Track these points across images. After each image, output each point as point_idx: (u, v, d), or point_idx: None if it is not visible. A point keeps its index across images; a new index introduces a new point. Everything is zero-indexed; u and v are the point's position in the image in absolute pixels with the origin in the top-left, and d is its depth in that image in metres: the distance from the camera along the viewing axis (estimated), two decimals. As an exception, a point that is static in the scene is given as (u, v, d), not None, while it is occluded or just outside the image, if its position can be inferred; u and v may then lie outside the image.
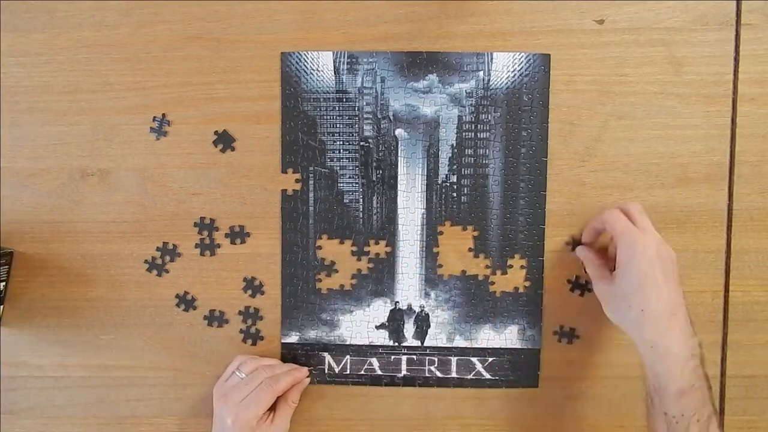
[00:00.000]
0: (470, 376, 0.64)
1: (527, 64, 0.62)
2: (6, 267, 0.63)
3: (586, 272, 0.60)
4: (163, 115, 0.63)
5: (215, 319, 0.64)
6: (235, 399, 0.58)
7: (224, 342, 0.64)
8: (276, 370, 0.61)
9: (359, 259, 0.64)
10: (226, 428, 0.57)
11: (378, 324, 0.64)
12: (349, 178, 0.63)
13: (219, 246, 0.64)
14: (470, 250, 0.63)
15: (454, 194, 0.63)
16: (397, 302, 0.64)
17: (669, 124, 0.62)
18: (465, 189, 0.63)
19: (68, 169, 0.64)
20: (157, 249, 0.64)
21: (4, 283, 0.63)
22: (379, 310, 0.64)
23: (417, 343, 0.64)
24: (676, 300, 0.53)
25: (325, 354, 0.64)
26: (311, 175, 0.63)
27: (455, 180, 0.63)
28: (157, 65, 0.63)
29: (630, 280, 0.53)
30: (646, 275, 0.53)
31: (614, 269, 0.56)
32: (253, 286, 0.64)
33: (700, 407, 0.51)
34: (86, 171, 0.64)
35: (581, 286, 0.63)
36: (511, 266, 0.63)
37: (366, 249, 0.64)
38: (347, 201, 0.64)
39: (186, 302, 0.64)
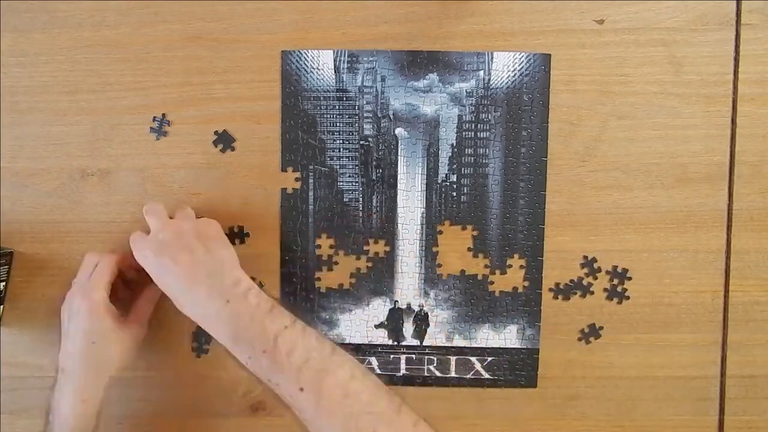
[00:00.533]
0: (469, 376, 0.64)
1: (527, 64, 0.62)
2: (6, 267, 0.63)
3: None
4: (163, 115, 0.63)
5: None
6: (78, 286, 0.57)
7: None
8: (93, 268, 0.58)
9: (358, 258, 0.64)
10: (78, 325, 0.55)
11: (377, 323, 0.64)
12: (349, 177, 0.63)
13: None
14: (469, 249, 0.63)
15: (454, 194, 0.63)
16: (396, 301, 0.64)
17: (669, 124, 0.62)
18: (465, 188, 0.63)
19: (68, 169, 0.64)
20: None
21: (4, 283, 0.63)
22: (378, 309, 0.64)
23: (416, 342, 0.64)
24: (189, 268, 0.53)
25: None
26: (311, 173, 0.63)
27: (455, 179, 0.63)
28: (157, 65, 0.63)
29: (151, 271, 0.55)
30: (159, 264, 0.54)
31: None
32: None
33: (259, 338, 0.50)
34: (86, 171, 0.64)
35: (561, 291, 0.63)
36: (510, 266, 0.63)
37: (365, 248, 0.64)
38: (347, 200, 0.64)
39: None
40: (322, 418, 0.48)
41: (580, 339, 0.63)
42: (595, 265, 0.63)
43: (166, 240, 0.54)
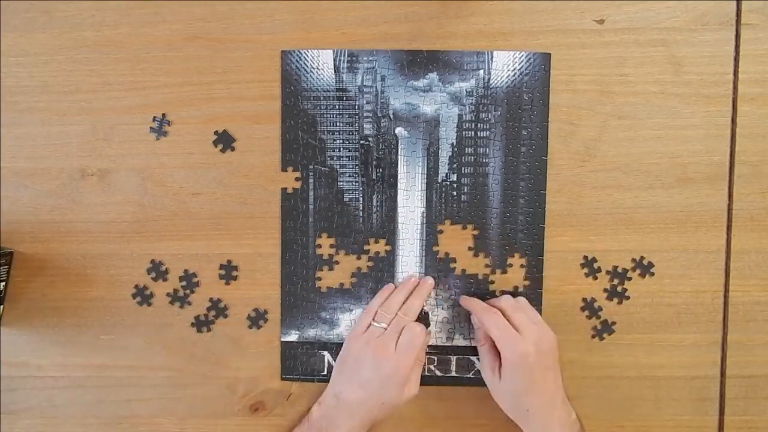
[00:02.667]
0: (470, 375, 0.64)
1: (527, 63, 0.62)
2: (6, 267, 0.63)
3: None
4: (163, 115, 0.63)
5: (215, 318, 0.64)
6: (389, 348, 0.58)
7: (224, 341, 0.64)
8: (408, 318, 0.60)
9: (359, 258, 0.64)
10: (382, 379, 0.57)
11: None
12: (349, 176, 0.63)
13: (219, 246, 0.64)
14: (470, 248, 0.63)
15: (454, 193, 0.63)
16: (397, 302, 0.64)
17: (669, 124, 0.62)
18: (465, 188, 0.63)
19: (68, 169, 0.64)
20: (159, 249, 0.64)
21: (3, 283, 0.63)
22: (379, 309, 0.64)
23: (417, 342, 0.64)
24: (555, 391, 0.57)
25: (325, 353, 0.64)
26: (311, 173, 0.63)
27: (455, 179, 0.63)
28: (157, 65, 0.63)
29: (514, 386, 0.57)
30: (528, 383, 0.56)
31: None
32: (252, 286, 0.64)
33: None
34: (86, 171, 0.64)
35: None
36: (510, 265, 0.63)
37: (366, 247, 0.64)
38: (347, 200, 0.64)
39: (182, 300, 0.64)
40: None
41: (593, 336, 0.63)
42: (595, 265, 0.63)
43: (543, 350, 0.57)
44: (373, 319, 0.60)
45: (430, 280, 0.63)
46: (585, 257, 0.63)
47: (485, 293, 0.63)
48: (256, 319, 0.64)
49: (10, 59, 0.63)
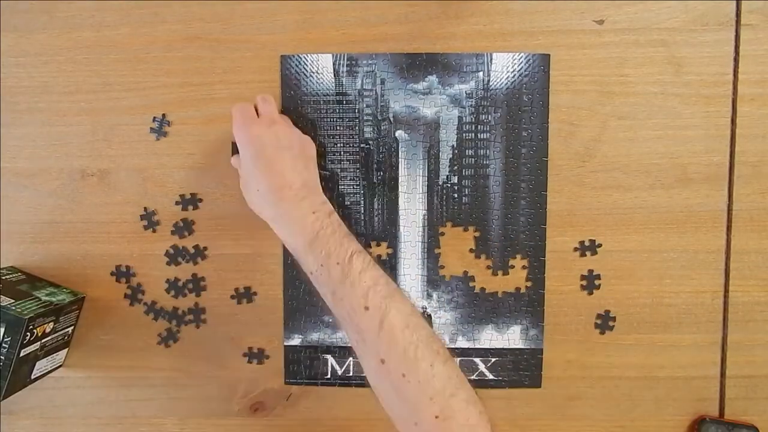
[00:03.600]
0: (473, 377, 0.64)
1: (527, 65, 0.62)
2: (77, 312, 0.63)
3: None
4: (163, 115, 0.63)
5: (215, 319, 0.64)
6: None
7: (224, 342, 0.64)
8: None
9: (360, 260, 0.64)
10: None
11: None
12: (350, 180, 0.63)
13: (219, 246, 0.64)
14: (471, 250, 0.63)
15: (455, 195, 0.63)
16: (398, 303, 0.64)
17: (669, 124, 0.62)
18: (466, 190, 0.63)
19: (68, 169, 0.64)
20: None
21: (72, 327, 0.63)
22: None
23: (418, 343, 0.64)
24: (285, 177, 0.55)
25: (328, 356, 0.64)
26: (311, 176, 0.63)
27: (456, 181, 0.63)
28: (157, 65, 0.63)
29: (245, 164, 0.56)
30: (262, 156, 0.55)
31: None
32: (253, 286, 0.64)
33: (336, 250, 0.52)
34: (86, 171, 0.64)
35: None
36: (512, 266, 0.63)
37: (367, 250, 0.64)
38: (348, 203, 0.64)
39: (185, 301, 0.64)
40: (383, 341, 0.49)
41: (596, 327, 0.63)
42: (595, 266, 0.63)
43: (277, 132, 0.56)
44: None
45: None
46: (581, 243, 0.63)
47: (486, 295, 0.63)
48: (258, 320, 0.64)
49: (10, 59, 0.63)
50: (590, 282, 0.63)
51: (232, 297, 0.64)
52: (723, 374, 0.63)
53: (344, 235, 0.54)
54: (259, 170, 0.55)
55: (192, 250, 0.64)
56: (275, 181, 0.55)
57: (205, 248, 0.64)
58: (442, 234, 0.63)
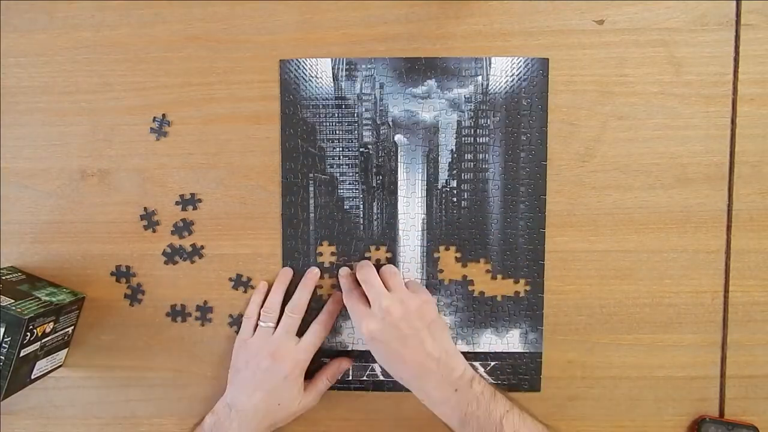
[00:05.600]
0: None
1: (526, 69, 0.62)
2: (77, 312, 0.63)
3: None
4: (163, 115, 0.63)
5: (215, 319, 0.64)
6: (286, 348, 0.59)
7: (224, 342, 0.64)
8: (297, 319, 0.61)
9: (360, 264, 0.64)
10: (279, 379, 0.58)
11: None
12: (349, 184, 0.63)
13: (219, 246, 0.64)
14: (471, 254, 0.63)
15: (454, 199, 0.63)
16: (399, 305, 0.64)
17: (669, 124, 0.62)
18: (465, 194, 0.63)
19: (68, 169, 0.64)
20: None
21: (72, 327, 0.63)
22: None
23: (419, 346, 0.64)
24: (418, 357, 0.56)
25: (327, 360, 0.64)
26: (311, 181, 0.63)
27: (455, 185, 0.63)
28: (157, 66, 0.63)
29: (378, 358, 0.58)
30: (385, 357, 0.57)
31: None
32: (253, 288, 0.64)
33: (486, 424, 0.54)
34: (86, 171, 0.64)
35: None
36: (512, 270, 0.63)
37: (367, 255, 0.64)
38: (348, 207, 0.64)
39: (186, 303, 0.64)
40: None
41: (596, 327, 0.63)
42: (595, 266, 0.63)
43: (394, 322, 0.56)
44: (259, 320, 0.61)
45: (316, 270, 0.63)
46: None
47: (486, 299, 0.63)
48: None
49: (10, 60, 0.63)
50: (590, 282, 0.63)
51: (233, 287, 0.64)
52: (723, 374, 0.63)
53: (489, 401, 0.55)
54: (391, 363, 0.57)
55: (189, 249, 0.64)
56: (409, 371, 0.56)
57: (202, 247, 0.64)
58: (442, 238, 0.63)
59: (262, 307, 0.62)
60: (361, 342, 0.64)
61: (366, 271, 0.59)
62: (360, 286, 0.59)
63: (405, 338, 0.56)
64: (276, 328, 0.60)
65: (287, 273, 0.63)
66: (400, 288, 0.58)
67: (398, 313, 0.56)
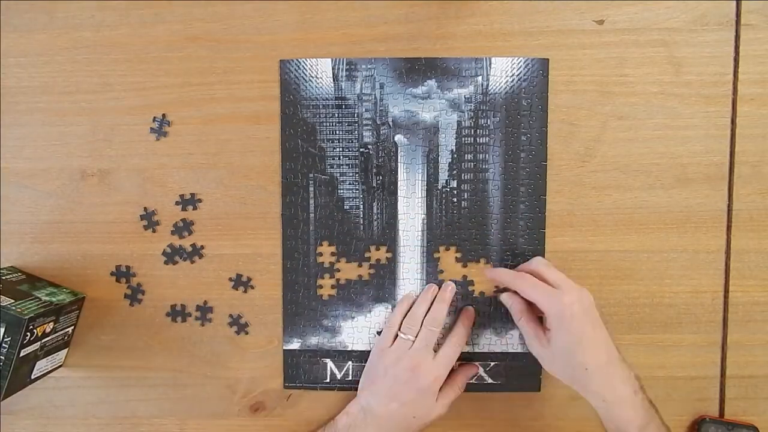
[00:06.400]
0: (473, 381, 0.64)
1: (526, 69, 0.62)
2: (77, 312, 0.63)
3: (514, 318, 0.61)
4: (163, 115, 0.63)
5: (215, 319, 0.64)
6: (426, 361, 0.58)
7: (224, 342, 0.64)
8: (436, 332, 0.60)
9: (360, 265, 0.64)
10: (417, 391, 0.57)
11: (379, 330, 0.64)
12: (349, 184, 0.63)
13: (219, 246, 0.64)
14: (471, 254, 0.63)
15: (454, 199, 0.63)
16: (398, 306, 0.64)
17: (669, 125, 0.62)
18: (465, 194, 0.63)
19: (68, 169, 0.64)
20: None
21: (72, 327, 0.63)
22: (381, 315, 0.64)
23: (418, 347, 0.64)
24: (608, 345, 0.55)
25: (327, 360, 0.64)
26: (311, 181, 0.63)
27: (455, 185, 0.63)
28: (157, 66, 0.63)
29: (565, 344, 0.55)
30: (579, 336, 0.54)
31: (544, 325, 0.57)
32: (253, 288, 0.64)
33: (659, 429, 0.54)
34: (86, 171, 0.64)
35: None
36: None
37: (367, 255, 0.64)
38: (347, 207, 0.64)
39: (186, 303, 0.64)
40: None
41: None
42: (595, 266, 0.63)
43: (586, 307, 0.55)
44: (400, 331, 0.60)
45: (452, 285, 0.63)
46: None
47: (486, 299, 0.63)
48: (258, 320, 0.64)
49: (10, 60, 0.63)
50: (590, 282, 0.63)
51: (233, 287, 0.64)
52: (723, 374, 0.63)
53: (656, 412, 0.54)
54: (586, 347, 0.55)
55: (189, 249, 0.64)
56: (602, 356, 0.54)
57: (202, 247, 0.64)
58: (442, 238, 0.63)
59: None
60: (361, 342, 0.64)
61: (522, 282, 0.57)
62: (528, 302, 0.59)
63: (595, 324, 0.55)
64: (414, 341, 0.60)
65: (434, 288, 0.63)
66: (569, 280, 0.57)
67: (588, 300, 0.56)
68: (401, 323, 0.61)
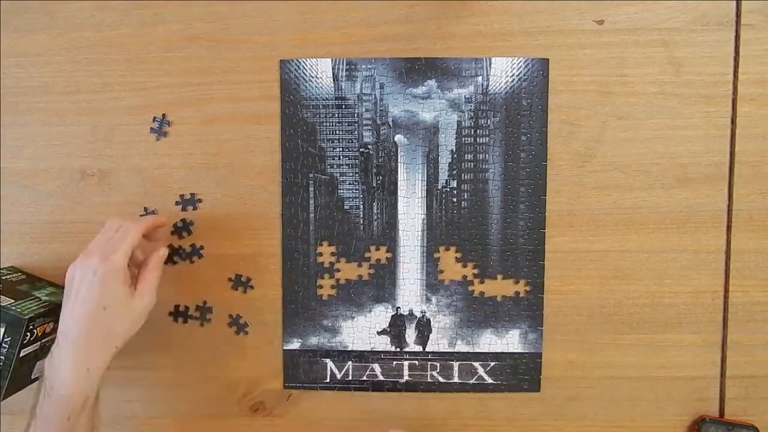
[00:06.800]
0: (472, 381, 0.64)
1: (526, 69, 0.62)
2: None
3: None
4: (163, 115, 0.63)
5: (215, 319, 0.64)
6: (94, 249, 0.54)
7: (224, 342, 0.64)
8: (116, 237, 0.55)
9: (360, 265, 0.64)
10: (93, 281, 0.52)
11: (379, 330, 0.64)
12: (349, 184, 0.63)
13: (219, 246, 0.64)
14: (471, 254, 0.63)
15: (454, 199, 0.63)
16: (399, 308, 0.64)
17: (669, 124, 0.62)
18: (465, 194, 0.63)
19: (68, 169, 0.64)
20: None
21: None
22: (381, 315, 0.64)
23: (419, 348, 0.64)
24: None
25: (327, 360, 0.64)
26: (311, 182, 0.63)
27: (455, 185, 0.63)
28: (157, 65, 0.63)
29: None
30: None
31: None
32: (253, 288, 0.64)
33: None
34: (86, 171, 0.64)
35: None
36: (512, 270, 0.63)
37: (367, 255, 0.64)
38: (348, 207, 0.64)
39: (186, 303, 0.64)
40: None
41: (595, 327, 0.63)
42: (595, 266, 0.63)
43: None
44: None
45: (161, 219, 0.59)
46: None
47: (486, 299, 0.63)
48: (258, 320, 0.64)
49: (10, 60, 0.63)
50: (590, 282, 0.63)
51: (233, 287, 0.64)
52: (723, 374, 0.63)
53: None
54: None
55: (189, 249, 0.64)
56: None
57: (202, 247, 0.64)
58: (442, 238, 0.63)
59: None
60: (361, 342, 0.64)
61: None
62: None
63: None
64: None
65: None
66: None
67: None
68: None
